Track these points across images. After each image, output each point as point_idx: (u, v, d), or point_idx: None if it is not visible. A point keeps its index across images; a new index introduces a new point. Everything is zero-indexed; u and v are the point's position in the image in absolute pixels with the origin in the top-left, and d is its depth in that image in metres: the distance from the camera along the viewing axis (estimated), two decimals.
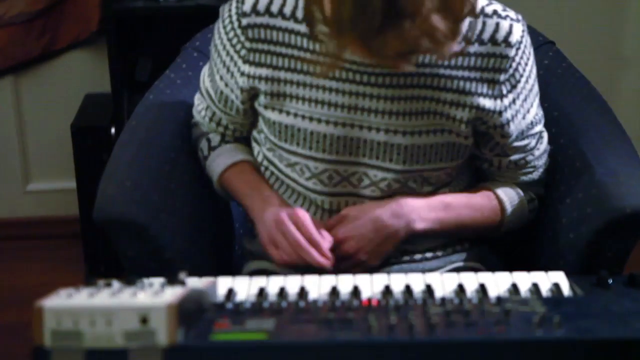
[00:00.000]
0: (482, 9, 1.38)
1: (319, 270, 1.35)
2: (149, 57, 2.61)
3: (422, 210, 1.44)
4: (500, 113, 1.41)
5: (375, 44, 1.15)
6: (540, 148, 1.50)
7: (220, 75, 1.49)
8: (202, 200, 1.57)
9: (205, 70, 1.56)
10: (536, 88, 1.46)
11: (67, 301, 1.04)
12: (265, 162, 1.52)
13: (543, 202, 1.54)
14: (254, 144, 1.56)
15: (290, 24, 1.40)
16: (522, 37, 1.39)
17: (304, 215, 1.39)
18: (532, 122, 1.46)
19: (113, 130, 2.47)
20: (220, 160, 1.54)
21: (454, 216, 1.46)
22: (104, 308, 1.03)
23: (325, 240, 1.39)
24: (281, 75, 1.42)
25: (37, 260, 2.73)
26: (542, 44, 1.81)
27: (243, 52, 1.43)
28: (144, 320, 1.02)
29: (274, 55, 1.42)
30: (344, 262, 1.42)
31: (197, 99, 1.59)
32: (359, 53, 1.23)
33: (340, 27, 1.17)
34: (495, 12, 1.39)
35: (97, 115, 2.56)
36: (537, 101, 1.47)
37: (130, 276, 1.17)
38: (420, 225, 1.43)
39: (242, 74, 1.44)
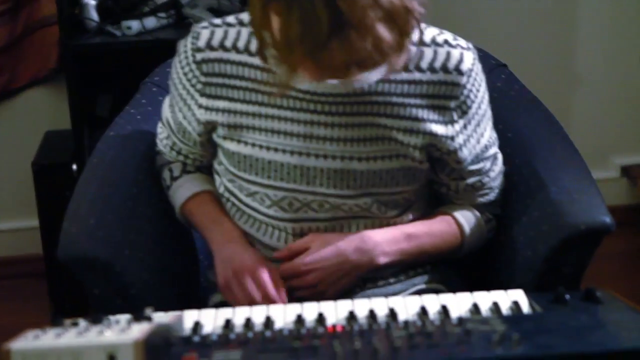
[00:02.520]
0: (433, 38, 1.42)
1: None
2: (108, 93, 2.62)
3: (385, 245, 1.46)
4: (452, 138, 1.44)
5: (323, 57, 1.19)
6: (495, 170, 1.53)
7: (179, 108, 1.51)
8: (165, 234, 1.58)
9: (166, 100, 1.58)
10: (489, 113, 1.49)
11: (34, 343, 1.05)
12: (226, 194, 1.54)
13: (500, 222, 1.57)
14: (215, 176, 1.58)
15: (244, 57, 1.43)
16: (473, 64, 1.43)
17: (264, 274, 1.44)
18: (486, 146, 1.49)
19: (75, 167, 2.47)
20: (181, 192, 1.56)
21: (416, 245, 1.49)
22: (71, 348, 1.03)
23: (281, 298, 1.43)
24: (237, 107, 1.44)
25: (2, 301, 2.71)
26: (494, 67, 1.85)
27: (199, 86, 1.46)
28: (112, 358, 1.03)
29: (229, 88, 1.44)
30: (302, 291, 1.45)
31: (159, 127, 1.62)
32: (308, 71, 1.26)
33: (289, 45, 1.20)
34: (446, 41, 1.42)
35: (58, 153, 2.56)
36: (490, 125, 1.50)
37: (96, 314, 1.17)
38: (383, 260, 1.47)
39: (200, 106, 1.46)
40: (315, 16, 1.16)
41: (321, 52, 1.18)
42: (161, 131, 1.61)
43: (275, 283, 1.44)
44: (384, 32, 1.19)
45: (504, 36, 2.76)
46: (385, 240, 1.47)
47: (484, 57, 1.84)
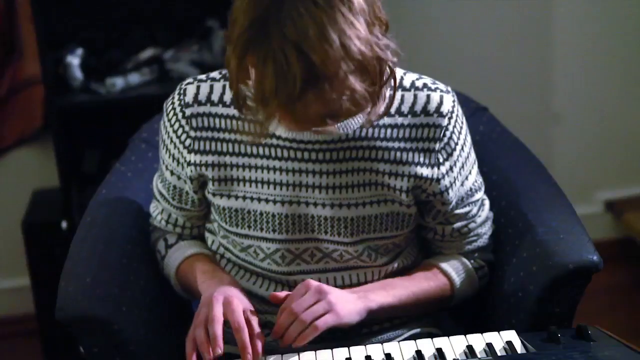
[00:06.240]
0: (413, 82, 1.46)
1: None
2: (95, 149, 2.64)
3: (376, 293, 1.46)
4: (438, 180, 1.46)
5: (298, 109, 1.22)
6: (482, 215, 1.56)
7: (170, 170, 1.53)
8: (161, 289, 1.59)
9: (155, 176, 1.60)
10: (473, 156, 1.52)
11: None
12: (221, 250, 1.56)
13: (493, 267, 1.59)
14: (208, 235, 1.59)
15: (231, 111, 1.46)
16: (453, 106, 1.46)
17: (236, 302, 1.36)
18: (471, 189, 1.51)
19: (64, 224, 2.48)
20: (177, 255, 1.57)
21: (405, 299, 1.48)
22: None
23: (258, 336, 1.34)
24: (226, 160, 1.47)
25: None
26: (475, 111, 1.88)
27: (188, 141, 1.48)
28: None
29: (218, 142, 1.47)
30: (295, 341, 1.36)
31: (152, 207, 1.62)
32: (285, 121, 1.28)
33: (264, 98, 1.22)
34: (425, 85, 1.46)
35: (47, 211, 2.57)
36: (475, 168, 1.53)
37: None
38: (373, 303, 1.44)
39: (189, 163, 1.49)
40: (289, 70, 1.19)
41: (295, 103, 1.21)
42: (154, 208, 1.61)
43: (250, 324, 1.36)
44: (356, 83, 1.22)
45: (483, 80, 2.81)
46: (370, 290, 1.47)
47: (465, 101, 1.89)
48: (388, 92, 1.34)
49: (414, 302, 1.50)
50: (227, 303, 1.37)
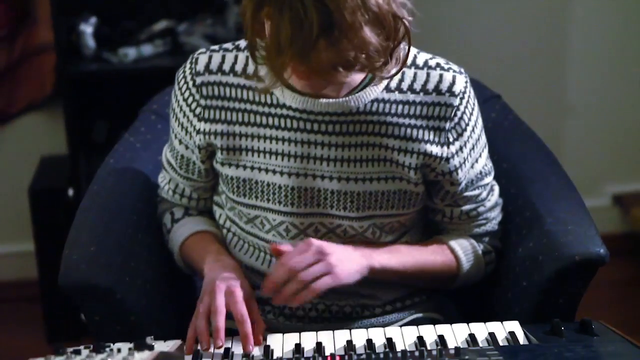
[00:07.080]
0: (426, 61, 1.45)
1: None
2: (105, 119, 2.64)
3: (375, 253, 1.46)
4: (447, 160, 1.45)
5: (311, 58, 1.22)
6: (492, 200, 1.55)
7: (179, 139, 1.53)
8: (164, 261, 1.59)
9: (165, 146, 1.60)
10: (483, 139, 1.51)
11: None
12: (227, 223, 1.56)
13: (500, 255, 1.58)
14: (215, 208, 1.59)
15: (242, 80, 1.45)
16: (465, 87, 1.45)
17: (239, 292, 1.37)
18: (481, 172, 1.50)
19: (71, 192, 2.48)
20: (183, 230, 1.57)
21: (409, 267, 1.48)
22: None
23: (258, 325, 1.36)
24: (236, 129, 1.46)
25: None
26: (488, 98, 1.87)
27: (198, 110, 1.47)
28: None
29: (228, 111, 1.46)
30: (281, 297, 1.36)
31: (160, 177, 1.62)
32: (297, 73, 1.28)
33: (279, 46, 1.23)
34: (438, 64, 1.45)
35: (54, 178, 2.57)
36: (485, 152, 1.52)
37: (98, 343, 1.19)
38: (369, 260, 1.43)
39: (198, 132, 1.48)
40: (306, 17, 1.19)
41: (310, 53, 1.21)
42: (162, 178, 1.61)
43: (251, 312, 1.37)
44: (370, 35, 1.22)
45: (498, 67, 2.79)
46: (375, 250, 1.46)
47: (479, 88, 1.87)
48: (402, 55, 1.32)
49: (418, 273, 1.49)
50: (229, 293, 1.37)
